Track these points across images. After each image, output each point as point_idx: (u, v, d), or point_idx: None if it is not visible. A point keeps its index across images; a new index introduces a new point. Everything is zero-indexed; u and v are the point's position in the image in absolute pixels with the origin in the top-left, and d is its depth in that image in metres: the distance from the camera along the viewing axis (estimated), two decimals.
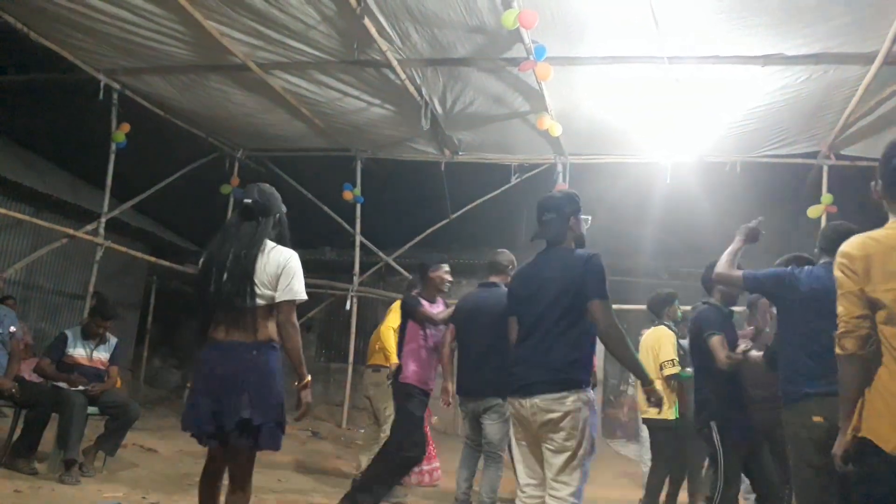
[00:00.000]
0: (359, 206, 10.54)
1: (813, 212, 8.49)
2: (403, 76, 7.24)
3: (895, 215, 2.28)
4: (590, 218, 3.36)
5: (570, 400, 2.96)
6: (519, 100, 7.79)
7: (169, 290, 13.50)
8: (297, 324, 3.12)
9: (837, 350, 2.28)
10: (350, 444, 8.89)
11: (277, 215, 3.25)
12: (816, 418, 3.05)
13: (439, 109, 8.22)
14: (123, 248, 9.65)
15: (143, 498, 4.80)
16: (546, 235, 3.29)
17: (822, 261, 3.39)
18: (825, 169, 8.51)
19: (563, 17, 6.03)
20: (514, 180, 9.82)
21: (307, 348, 13.15)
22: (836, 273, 2.28)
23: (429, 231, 10.64)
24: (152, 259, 10.78)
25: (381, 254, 10.85)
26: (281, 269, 3.10)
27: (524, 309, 3.24)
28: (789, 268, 3.45)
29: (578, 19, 6.07)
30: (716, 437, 3.96)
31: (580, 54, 6.64)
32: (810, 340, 3.18)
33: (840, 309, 2.27)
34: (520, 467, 3.20)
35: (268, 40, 6.91)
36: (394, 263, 10.71)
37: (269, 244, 3.16)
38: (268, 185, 3.32)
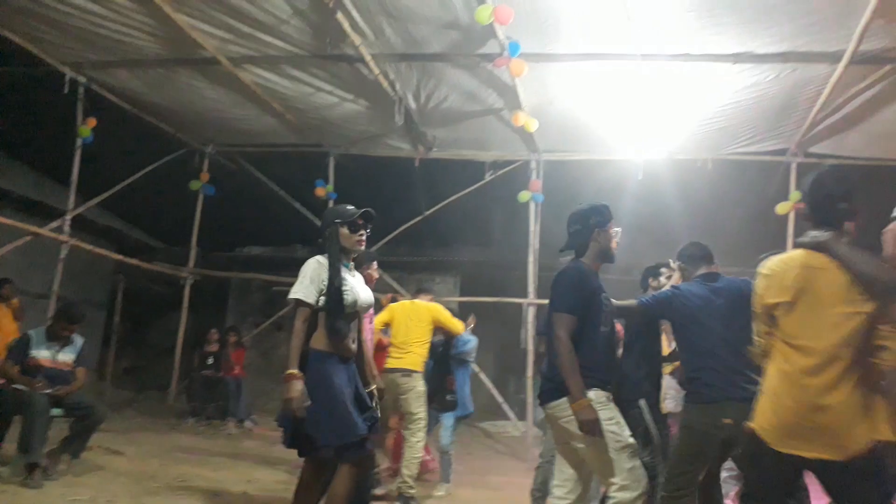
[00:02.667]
0: (331, 203, 10.44)
1: (781, 208, 8.62)
2: (377, 71, 7.18)
3: None
4: (619, 230, 3.38)
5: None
6: (493, 96, 7.78)
7: (137, 289, 13.27)
8: (297, 323, 3.24)
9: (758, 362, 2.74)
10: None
11: (327, 231, 3.45)
12: (727, 420, 3.30)
13: (413, 105, 8.17)
14: (89, 247, 9.45)
15: (109, 501, 4.69)
16: (570, 247, 3.39)
17: (695, 276, 3.79)
18: (793, 166, 8.65)
19: (536, 14, 6.03)
20: (488, 177, 9.81)
21: (278, 347, 13.10)
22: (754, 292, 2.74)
23: (402, 228, 10.57)
24: (119, 257, 10.57)
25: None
26: None
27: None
28: (671, 290, 3.80)
29: (552, 15, 6.07)
30: (647, 415, 4.10)
31: (554, 51, 6.64)
32: (713, 350, 3.49)
33: (754, 327, 2.75)
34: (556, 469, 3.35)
35: (238, 34, 6.80)
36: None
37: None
38: (333, 206, 3.57)
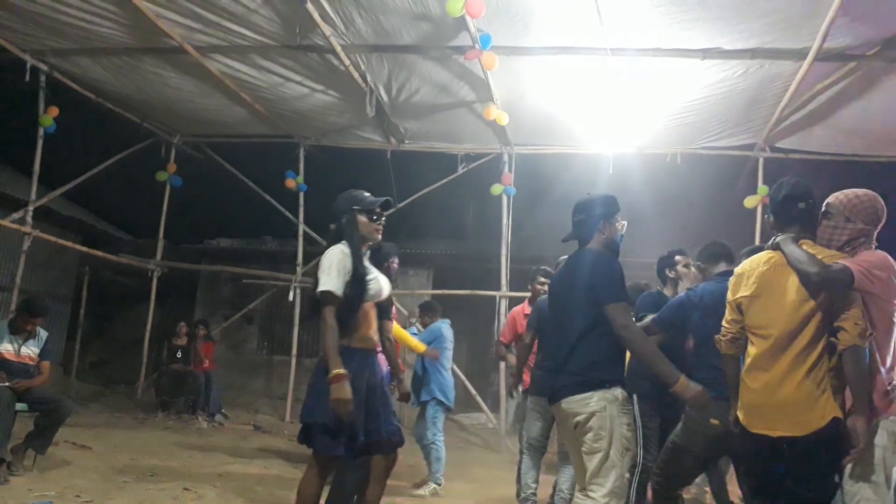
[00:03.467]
0: (302, 195, 10.35)
1: (750, 202, 8.76)
2: (347, 62, 7.12)
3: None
4: (625, 223, 3.28)
5: (594, 399, 2.93)
6: (465, 89, 7.77)
7: (102, 281, 13.04)
8: (328, 318, 3.05)
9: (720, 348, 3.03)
10: (293, 437, 8.76)
11: (344, 218, 3.31)
12: (714, 421, 3.33)
13: (385, 97, 8.13)
14: (53, 238, 9.24)
15: (77, 496, 4.62)
16: (574, 237, 3.29)
17: (716, 272, 3.87)
18: (761, 161, 8.79)
19: (508, 7, 6.03)
20: (460, 170, 9.82)
21: (248, 340, 12.98)
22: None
23: None
24: (84, 249, 10.36)
25: (324, 243, 10.58)
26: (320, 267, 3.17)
27: (552, 314, 3.34)
28: (685, 294, 3.86)
29: (523, 9, 6.07)
30: (636, 407, 4.08)
31: (525, 44, 6.65)
32: (708, 352, 3.47)
33: (725, 316, 3.01)
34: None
35: (206, 23, 6.69)
36: None
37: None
38: (345, 191, 3.41)
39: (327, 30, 6.53)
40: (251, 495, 5.23)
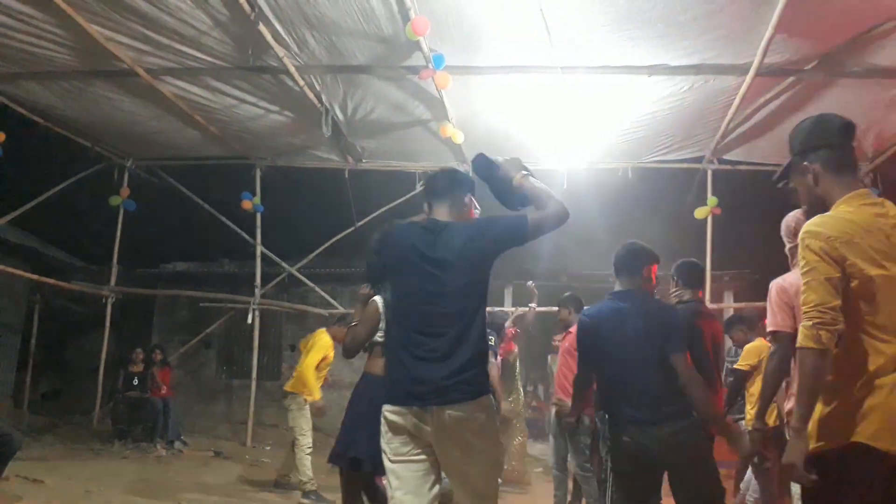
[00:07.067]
0: (259, 216, 10.27)
1: (700, 213, 9.00)
2: (302, 83, 7.12)
3: (846, 189, 2.16)
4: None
5: (481, 406, 2.57)
6: (420, 108, 7.83)
7: (55, 309, 12.70)
8: None
9: (811, 343, 1.99)
10: (255, 462, 8.62)
11: None
12: (626, 438, 3.33)
13: (340, 116, 8.14)
14: (1, 266, 8.98)
15: None
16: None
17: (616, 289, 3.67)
18: (709, 173, 9.03)
19: (459, 27, 6.11)
20: (419, 188, 9.85)
21: (207, 365, 12.76)
22: (809, 256, 2.05)
23: (333, 240, 10.50)
24: (34, 277, 10.09)
25: (283, 264, 10.60)
26: None
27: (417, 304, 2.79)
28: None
29: (475, 29, 6.16)
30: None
31: (478, 63, 6.74)
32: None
33: (813, 297, 2.02)
34: (399, 485, 2.61)
35: (157, 45, 6.63)
36: (297, 274, 10.50)
37: None
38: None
39: (280, 51, 6.54)
40: None
